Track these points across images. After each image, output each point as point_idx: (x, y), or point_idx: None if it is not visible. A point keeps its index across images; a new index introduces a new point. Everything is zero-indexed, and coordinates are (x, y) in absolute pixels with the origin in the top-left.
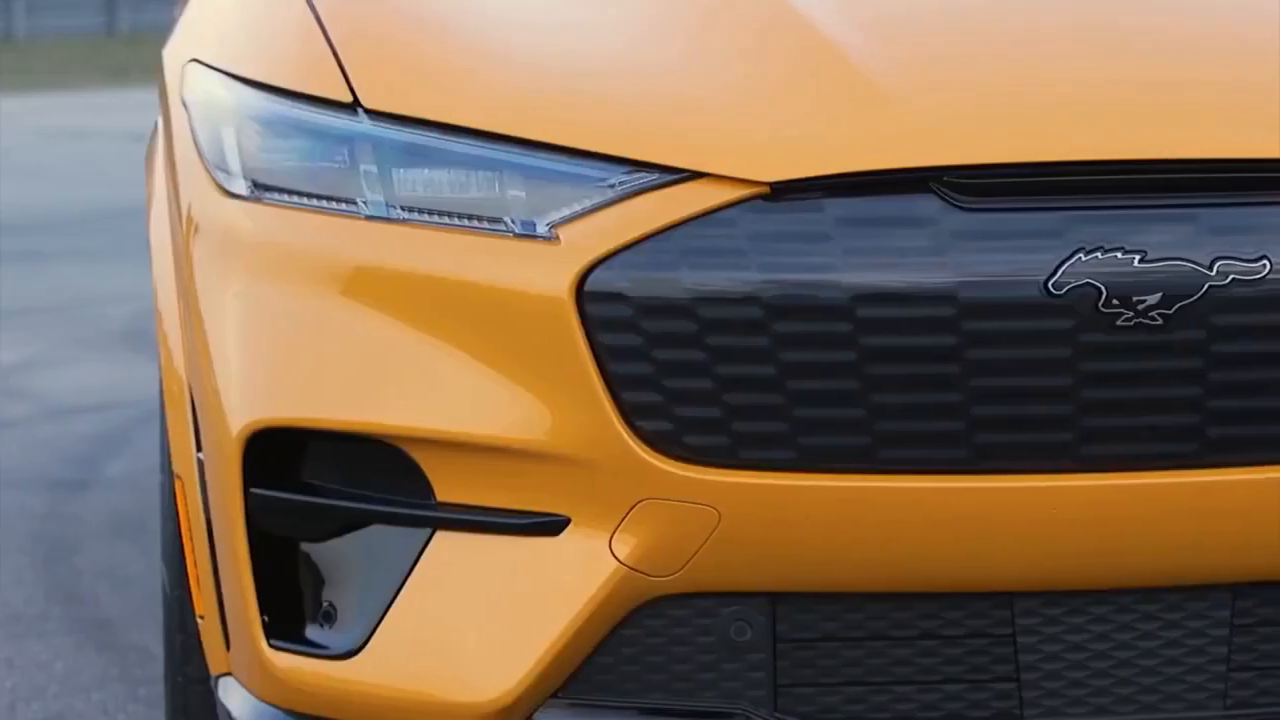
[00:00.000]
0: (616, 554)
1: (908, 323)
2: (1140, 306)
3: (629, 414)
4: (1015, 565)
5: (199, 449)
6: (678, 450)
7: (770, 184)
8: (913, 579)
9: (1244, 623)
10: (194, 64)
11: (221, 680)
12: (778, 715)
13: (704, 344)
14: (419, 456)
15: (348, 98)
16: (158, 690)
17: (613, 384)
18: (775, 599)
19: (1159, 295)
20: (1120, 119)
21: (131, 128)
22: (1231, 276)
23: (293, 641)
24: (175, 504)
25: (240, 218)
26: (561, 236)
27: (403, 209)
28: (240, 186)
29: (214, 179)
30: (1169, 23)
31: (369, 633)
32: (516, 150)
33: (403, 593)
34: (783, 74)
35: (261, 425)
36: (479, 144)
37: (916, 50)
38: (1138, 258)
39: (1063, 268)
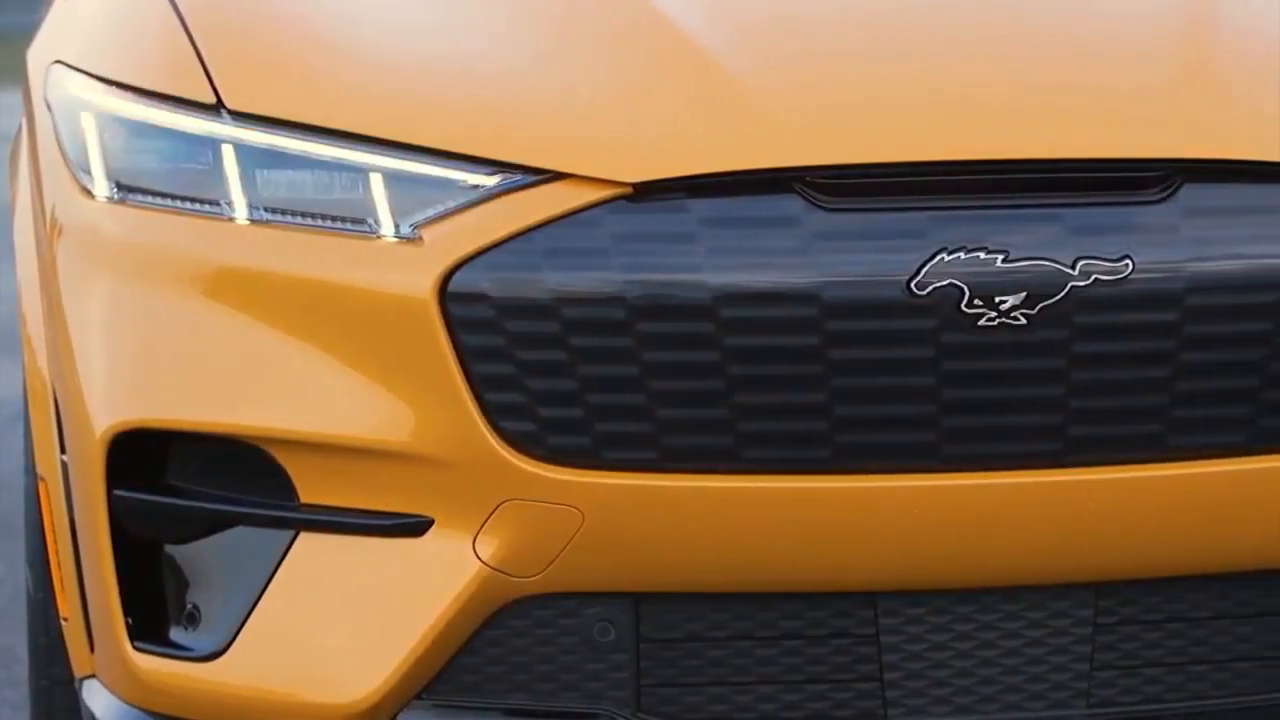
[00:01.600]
0: (480, 555)
1: (770, 323)
2: (1003, 306)
3: (492, 415)
4: (879, 565)
5: (63, 451)
6: (541, 451)
7: (633, 184)
8: (777, 579)
9: (1106, 622)
10: (58, 65)
11: (86, 682)
12: (641, 715)
13: (567, 345)
14: (282, 458)
15: (211, 99)
16: (23, 692)
17: (476, 385)
18: (639, 599)
19: (1022, 295)
20: (984, 120)
21: None
22: (1094, 276)
23: (157, 643)
24: (39, 506)
25: (104, 219)
26: (425, 237)
27: (266, 210)
28: (104, 188)
29: (78, 180)
30: (1034, 26)
31: (233, 634)
32: (380, 151)
33: (266, 594)
34: (646, 74)
35: (125, 427)
36: (342, 145)
37: (780, 51)
38: (1000, 258)
39: (925, 268)
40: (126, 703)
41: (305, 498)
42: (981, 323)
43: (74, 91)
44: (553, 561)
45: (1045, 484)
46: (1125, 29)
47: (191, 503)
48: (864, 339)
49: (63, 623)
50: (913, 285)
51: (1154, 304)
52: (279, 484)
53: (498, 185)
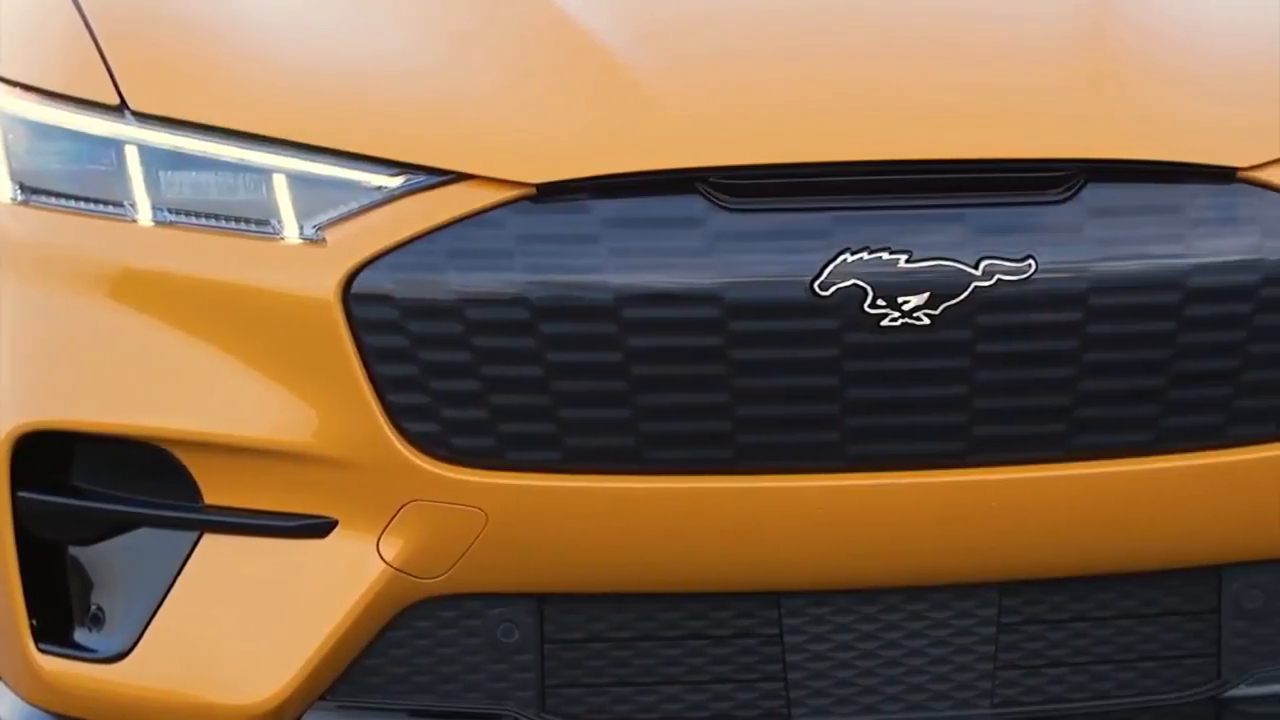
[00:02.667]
0: (384, 556)
1: (673, 323)
2: (906, 307)
3: (396, 416)
4: (782, 565)
5: None
6: (444, 452)
7: (536, 185)
8: (680, 579)
9: (1010, 621)
10: None
11: None
12: (545, 716)
13: (470, 345)
14: (186, 459)
15: (115, 100)
16: None
17: (380, 386)
18: (543, 600)
19: (925, 295)
20: (887, 121)
21: None
22: (997, 276)
23: (61, 645)
24: None
25: (8, 220)
26: (328, 238)
27: (170, 212)
28: (7, 190)
29: None
30: (938, 28)
31: (137, 636)
32: (283, 152)
33: (170, 596)
34: (549, 76)
35: (28, 429)
36: (246, 146)
37: (683, 52)
38: (904, 258)
39: (829, 268)
40: (30, 704)
41: (209, 499)
42: (884, 323)
43: None
44: (456, 562)
45: (949, 484)
46: (1028, 31)
47: (95, 504)
48: (767, 339)
49: None
50: (816, 286)
51: (1057, 304)
52: (183, 485)
53: (401, 186)
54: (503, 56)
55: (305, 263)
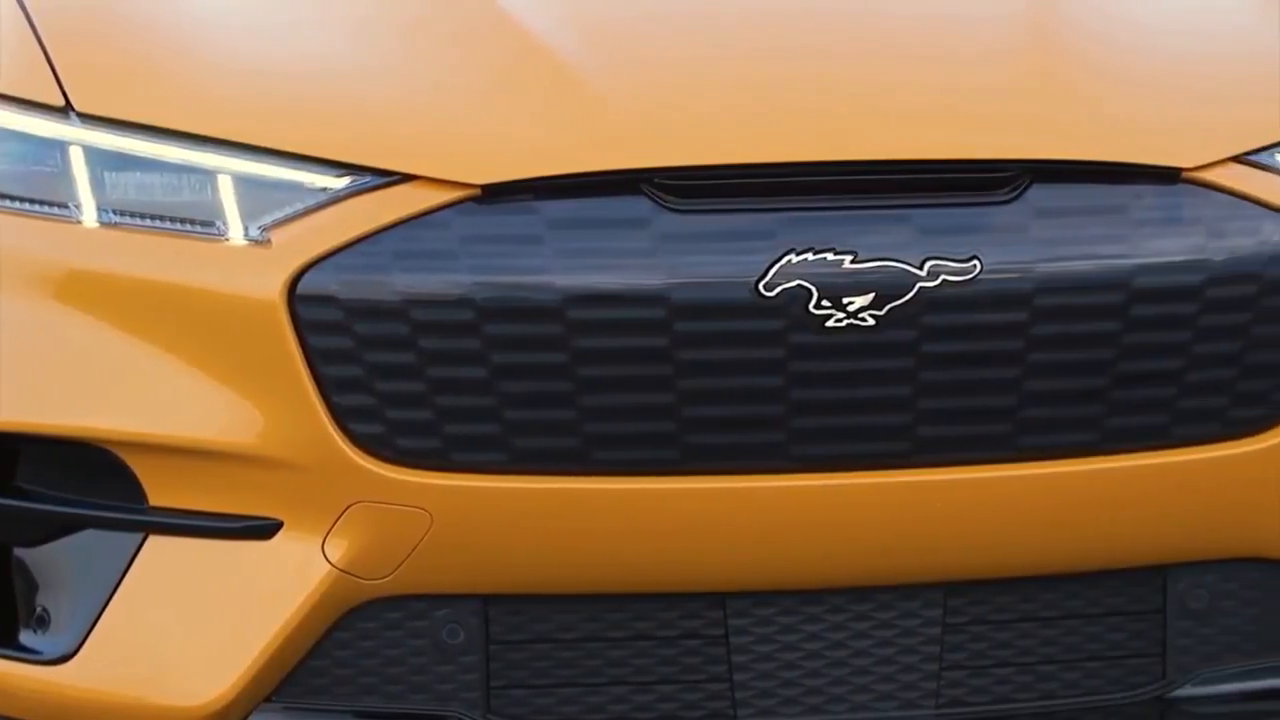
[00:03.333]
0: (329, 557)
1: (619, 324)
2: (851, 307)
3: (341, 417)
4: (728, 566)
5: None
6: (390, 453)
7: (481, 186)
8: (626, 580)
9: (955, 622)
10: None
11: None
12: (490, 717)
13: (416, 347)
14: (131, 461)
15: (59, 101)
16: None
17: (325, 387)
18: (488, 601)
19: (870, 296)
20: (833, 121)
21: None
22: (942, 277)
23: (5, 646)
24: None
25: None
26: (274, 239)
27: (115, 213)
28: None
29: None
30: (884, 29)
31: (82, 638)
32: (228, 153)
33: (115, 597)
34: (495, 76)
35: None
36: (191, 147)
37: (629, 53)
38: (849, 258)
39: (774, 269)
40: None
41: (154, 500)
42: (830, 324)
43: None
44: (401, 563)
45: (894, 484)
46: (973, 32)
47: (40, 505)
48: (712, 340)
49: None
50: (761, 286)
51: (1002, 304)
52: (128, 487)
53: (347, 187)
54: (448, 57)
55: (250, 264)
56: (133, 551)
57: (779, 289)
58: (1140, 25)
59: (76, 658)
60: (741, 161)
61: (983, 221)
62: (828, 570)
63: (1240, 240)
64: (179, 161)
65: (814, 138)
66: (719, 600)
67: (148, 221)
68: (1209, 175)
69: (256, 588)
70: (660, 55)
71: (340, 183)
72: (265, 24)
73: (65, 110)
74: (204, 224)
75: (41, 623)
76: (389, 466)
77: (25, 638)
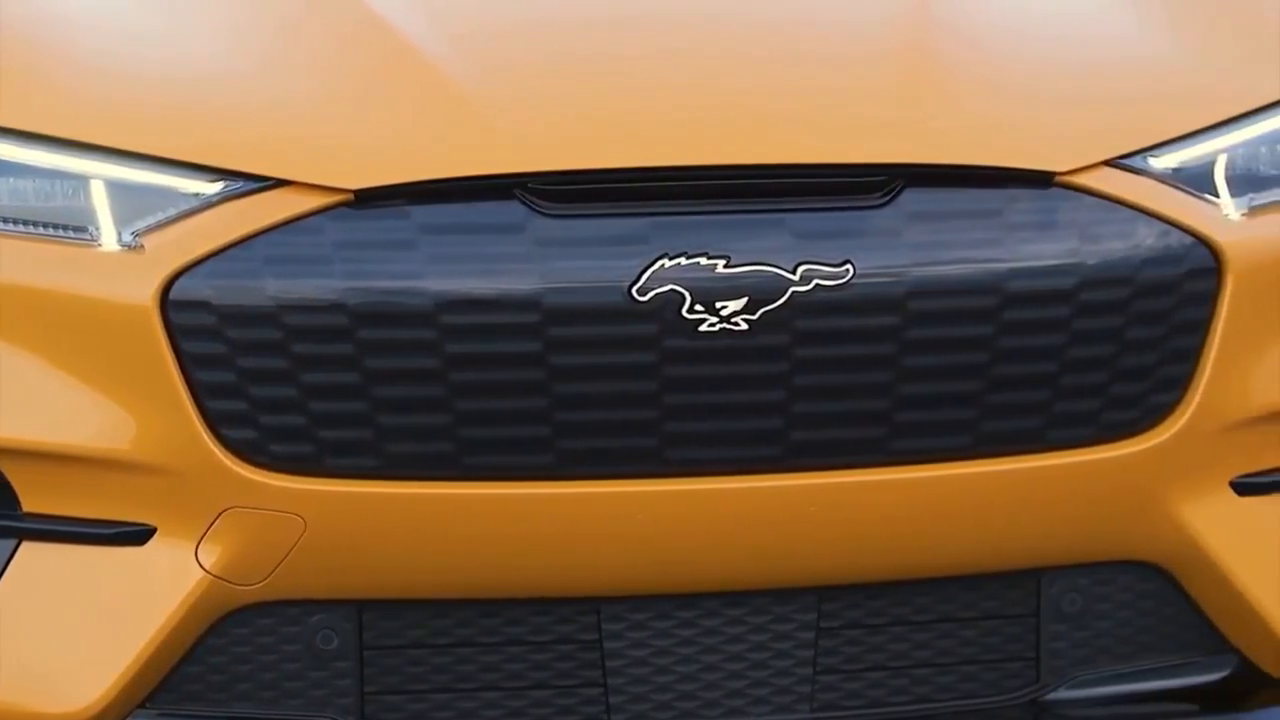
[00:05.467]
0: (202, 563)
1: (492, 329)
2: (724, 312)
3: (214, 422)
4: (602, 571)
5: None
6: (263, 459)
7: (354, 191)
8: (501, 585)
9: (829, 625)
10: None
11: None
12: None
13: (289, 352)
14: (4, 466)
15: None
16: None
17: (198, 392)
18: (362, 607)
19: (743, 300)
20: (706, 126)
21: None
22: (815, 281)
23: None
24: None
25: None
26: (146, 245)
27: None
28: None
29: None
30: (756, 34)
31: None
32: (101, 159)
33: None
34: (368, 81)
35: None
36: (63, 152)
37: (502, 56)
38: (722, 263)
39: (647, 273)
40: None
41: (28, 506)
42: (703, 328)
43: None
44: (275, 569)
45: (768, 489)
46: (848, 38)
47: None
48: (586, 345)
49: None
50: (634, 291)
51: (875, 308)
52: (1, 493)
53: (219, 192)
54: (321, 62)
55: (123, 269)
56: (5, 558)
57: (652, 294)
58: (1014, 31)
59: None
60: (614, 166)
61: (856, 226)
62: (702, 575)
63: (1113, 244)
64: (51, 167)
65: (687, 142)
66: (593, 606)
67: (20, 227)
68: (1082, 179)
69: (130, 594)
70: (534, 60)
71: (213, 188)
72: (137, 29)
73: None
74: (77, 229)
75: None
76: (262, 472)
77: None
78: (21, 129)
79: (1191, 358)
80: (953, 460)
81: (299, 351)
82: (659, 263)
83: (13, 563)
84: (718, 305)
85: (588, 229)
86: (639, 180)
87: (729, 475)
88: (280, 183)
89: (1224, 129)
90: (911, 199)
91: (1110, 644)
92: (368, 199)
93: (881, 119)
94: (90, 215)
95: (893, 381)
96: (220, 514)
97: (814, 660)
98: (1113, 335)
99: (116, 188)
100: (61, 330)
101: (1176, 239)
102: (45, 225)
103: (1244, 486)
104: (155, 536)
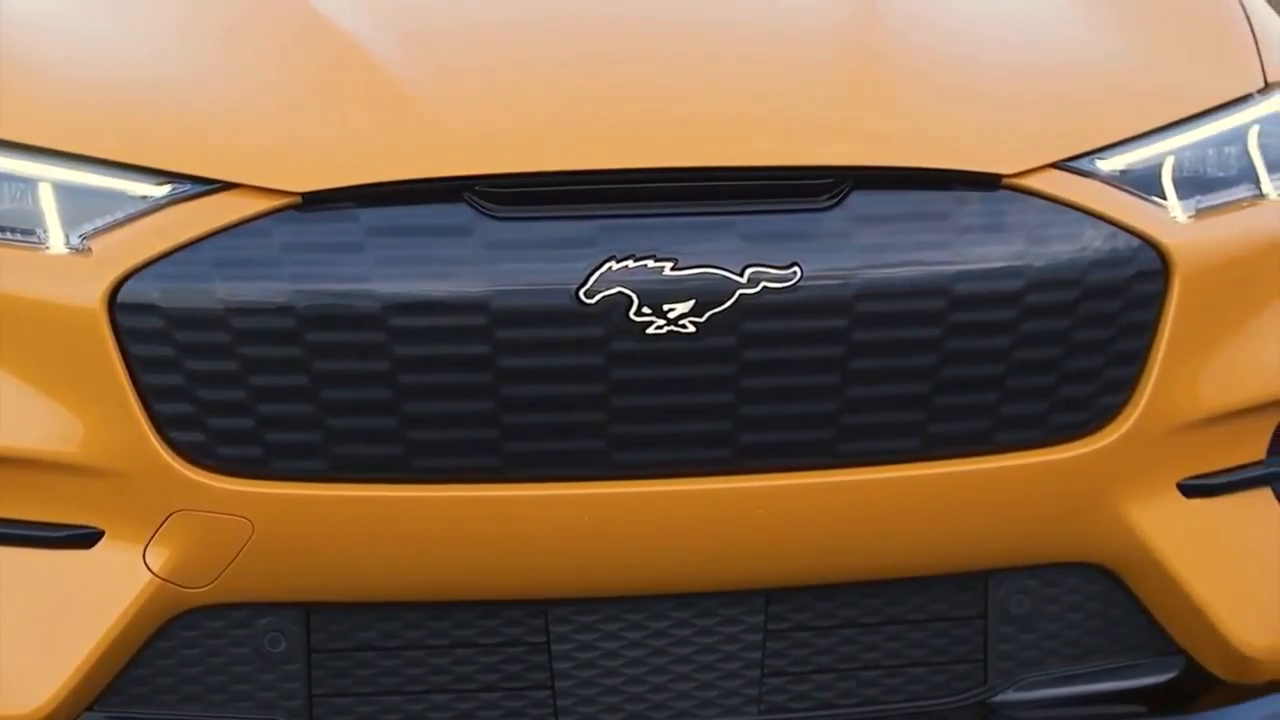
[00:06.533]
0: (150, 566)
1: (440, 332)
2: (671, 314)
3: (162, 425)
4: (550, 573)
5: None
6: (211, 462)
7: (301, 194)
8: (449, 588)
9: (777, 628)
10: None
11: None
12: None
13: (237, 355)
14: None
15: None
16: None
17: (146, 396)
18: (310, 609)
19: (690, 303)
20: (654, 129)
21: None
22: (763, 284)
23: None
24: None
25: None
26: (94, 248)
27: None
28: None
29: None
30: (705, 38)
31: None
32: (49, 162)
33: None
34: (316, 84)
35: None
36: (10, 155)
37: (450, 59)
38: (669, 265)
39: (594, 276)
40: None
41: None
42: (650, 330)
43: None
44: (223, 572)
45: (716, 491)
46: (795, 41)
47: None
48: (533, 347)
49: None
50: (581, 293)
51: (823, 310)
52: None
53: (167, 195)
54: (268, 65)
55: (71, 272)
56: None
57: (599, 296)
58: (961, 34)
59: None
60: (562, 169)
61: (803, 228)
62: (650, 577)
63: (1060, 246)
64: None
65: (635, 145)
66: (541, 608)
67: None
68: (1029, 181)
69: (79, 596)
70: (482, 62)
71: (161, 191)
72: (85, 31)
73: None
74: (24, 232)
75: None
76: (210, 475)
77: None
78: None
79: (1139, 360)
80: (900, 463)
81: (247, 354)
82: (606, 265)
83: None
84: (665, 308)
85: (536, 231)
86: (587, 183)
87: (677, 478)
88: (228, 185)
89: (1171, 131)
90: (859, 201)
91: (1058, 645)
92: (315, 202)
93: (829, 122)
94: (38, 218)
95: (840, 384)
96: (168, 517)
97: (762, 662)
98: (1060, 337)
99: (64, 190)
100: (9, 333)
101: (1124, 241)
102: None
103: (1191, 488)
104: (104, 539)
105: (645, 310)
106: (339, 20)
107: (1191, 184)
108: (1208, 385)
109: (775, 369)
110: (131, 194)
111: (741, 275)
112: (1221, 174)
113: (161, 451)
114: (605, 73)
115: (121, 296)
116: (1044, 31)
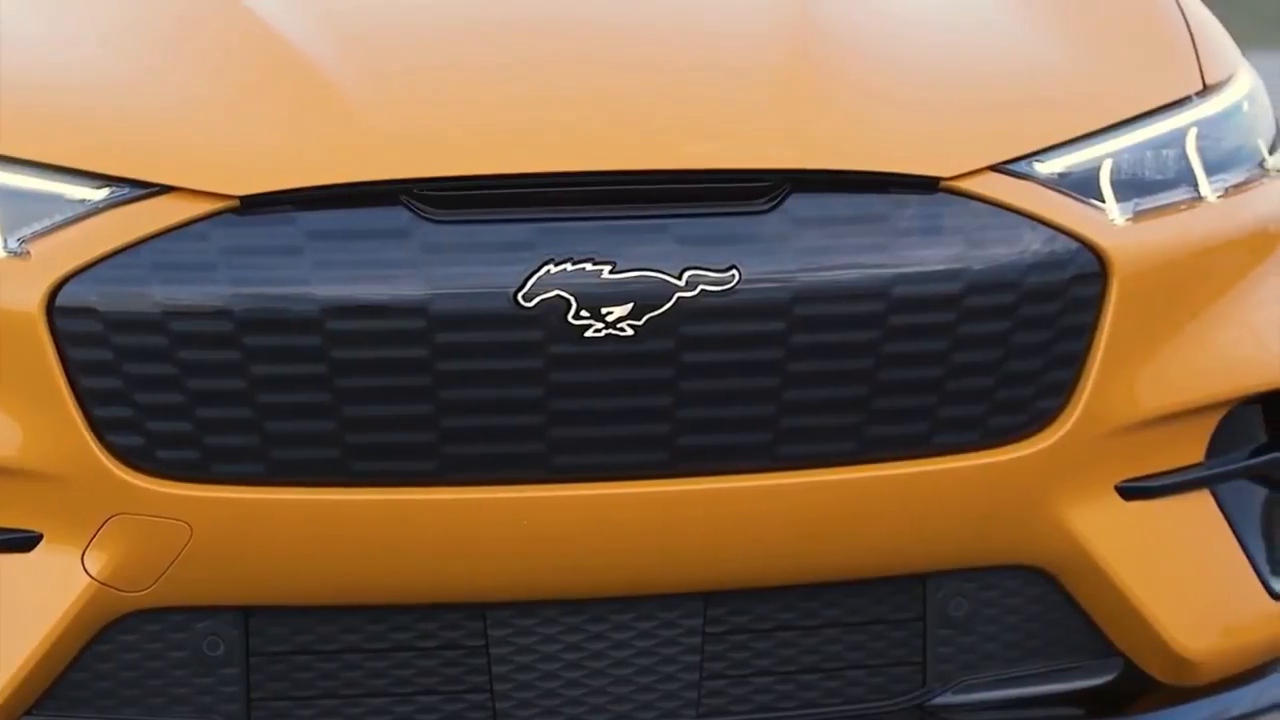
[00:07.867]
0: (89, 570)
1: (378, 335)
2: (609, 318)
3: (100, 429)
4: (489, 577)
5: None
6: (150, 465)
7: (239, 197)
8: (388, 591)
9: (715, 631)
10: None
11: None
12: None
13: (175, 359)
14: None
15: None
16: None
17: (84, 399)
18: (249, 613)
19: (629, 306)
20: (591, 132)
21: None
22: (701, 287)
23: None
24: None
25: None
26: (32, 251)
27: None
28: None
29: None
30: (642, 41)
31: None
32: None
33: None
34: (253, 87)
35: None
36: None
37: (387, 62)
38: (607, 269)
39: (532, 279)
40: None
41: None
42: (588, 334)
43: None
44: (161, 576)
45: (654, 494)
46: (733, 45)
47: None
48: (472, 351)
49: None
50: (519, 297)
51: (761, 314)
52: None
53: (105, 199)
54: (204, 68)
55: (9, 276)
56: None
57: (538, 299)
58: (899, 38)
59: None
60: (500, 172)
61: (741, 231)
62: (589, 580)
63: (999, 249)
64: None
65: (572, 148)
66: (480, 611)
67: None
68: (967, 184)
69: (16, 600)
70: (419, 65)
71: (99, 194)
72: (20, 34)
73: None
74: None
75: None
76: (148, 478)
77: None
78: None
79: (1076, 363)
80: (839, 465)
81: (185, 358)
82: (545, 268)
83: None
84: (603, 311)
85: (474, 234)
86: (525, 186)
87: (615, 481)
88: (166, 189)
89: (1109, 134)
90: (797, 204)
91: (997, 648)
92: (253, 205)
93: (767, 125)
94: None
95: (778, 387)
96: (107, 520)
97: (700, 665)
98: (998, 340)
99: (2, 194)
100: None
101: (1062, 244)
102: None
103: (1129, 491)
104: (41, 543)
105: (583, 313)
106: (277, 24)
107: (1130, 187)
108: (1146, 388)
109: (713, 372)
110: (69, 197)
111: (680, 278)
112: (1160, 177)
113: (99, 455)
114: (543, 76)
115: (60, 300)
116: (982, 35)
